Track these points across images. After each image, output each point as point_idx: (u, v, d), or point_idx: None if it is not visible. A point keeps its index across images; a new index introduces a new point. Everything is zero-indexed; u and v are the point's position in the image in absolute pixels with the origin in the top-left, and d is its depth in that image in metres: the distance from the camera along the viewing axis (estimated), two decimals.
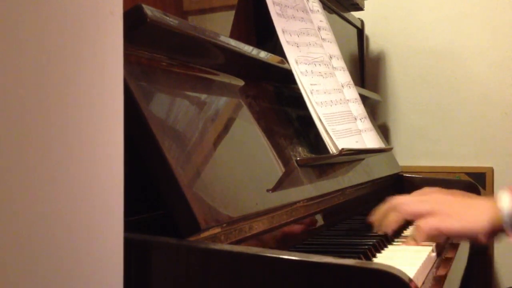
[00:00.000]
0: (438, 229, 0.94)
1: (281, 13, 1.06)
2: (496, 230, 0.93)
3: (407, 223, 1.10)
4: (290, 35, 1.06)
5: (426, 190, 1.09)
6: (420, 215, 0.96)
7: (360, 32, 1.84)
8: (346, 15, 1.68)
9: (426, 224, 0.95)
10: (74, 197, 0.43)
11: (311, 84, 1.04)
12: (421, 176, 1.68)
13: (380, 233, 1.00)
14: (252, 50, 0.92)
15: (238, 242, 0.72)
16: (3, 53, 0.37)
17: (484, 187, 1.76)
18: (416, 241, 0.95)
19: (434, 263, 0.91)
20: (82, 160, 0.44)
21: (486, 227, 0.93)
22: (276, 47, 1.04)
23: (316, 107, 1.02)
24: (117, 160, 0.48)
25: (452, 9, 1.86)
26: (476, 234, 0.94)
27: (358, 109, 1.21)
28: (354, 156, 1.15)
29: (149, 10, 0.65)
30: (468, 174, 1.80)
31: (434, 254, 0.93)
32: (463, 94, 1.85)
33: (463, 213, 0.95)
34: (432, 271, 0.87)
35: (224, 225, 0.68)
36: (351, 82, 1.25)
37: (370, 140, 1.19)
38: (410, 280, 0.55)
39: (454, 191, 1.08)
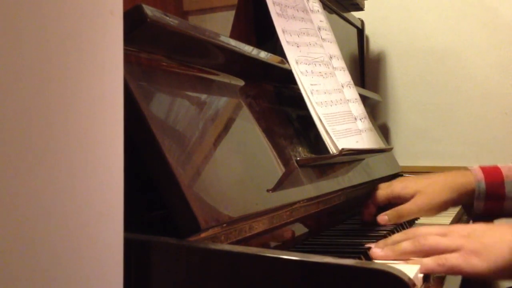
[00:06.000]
0: (459, 270, 0.77)
1: (281, 13, 1.06)
2: None
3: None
4: (290, 35, 1.06)
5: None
6: (441, 252, 0.78)
7: (360, 32, 1.84)
8: (346, 15, 1.68)
9: (446, 261, 0.77)
10: (74, 197, 0.43)
11: (311, 84, 1.04)
12: None
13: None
14: (252, 50, 0.92)
15: (238, 242, 0.72)
16: (2, 53, 0.37)
17: None
18: (423, 267, 0.76)
19: None
20: (82, 160, 0.44)
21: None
22: (276, 47, 1.04)
23: (316, 107, 1.02)
24: (117, 160, 0.48)
25: (452, 9, 1.86)
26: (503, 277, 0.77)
27: (358, 109, 1.21)
28: (354, 156, 1.15)
29: (149, 10, 0.65)
30: None
31: None
32: (463, 94, 1.85)
33: (491, 249, 0.77)
34: None
35: (224, 225, 0.68)
36: (351, 82, 1.25)
37: (370, 140, 1.19)
38: (410, 280, 0.55)
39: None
